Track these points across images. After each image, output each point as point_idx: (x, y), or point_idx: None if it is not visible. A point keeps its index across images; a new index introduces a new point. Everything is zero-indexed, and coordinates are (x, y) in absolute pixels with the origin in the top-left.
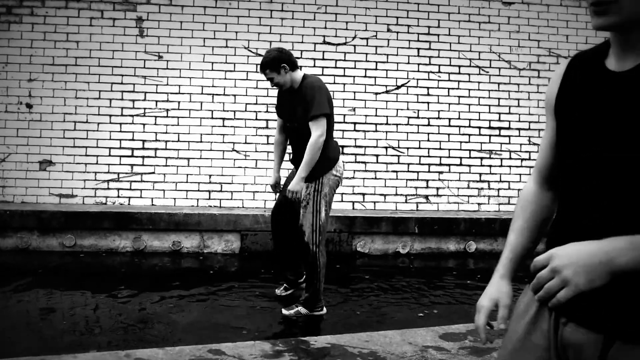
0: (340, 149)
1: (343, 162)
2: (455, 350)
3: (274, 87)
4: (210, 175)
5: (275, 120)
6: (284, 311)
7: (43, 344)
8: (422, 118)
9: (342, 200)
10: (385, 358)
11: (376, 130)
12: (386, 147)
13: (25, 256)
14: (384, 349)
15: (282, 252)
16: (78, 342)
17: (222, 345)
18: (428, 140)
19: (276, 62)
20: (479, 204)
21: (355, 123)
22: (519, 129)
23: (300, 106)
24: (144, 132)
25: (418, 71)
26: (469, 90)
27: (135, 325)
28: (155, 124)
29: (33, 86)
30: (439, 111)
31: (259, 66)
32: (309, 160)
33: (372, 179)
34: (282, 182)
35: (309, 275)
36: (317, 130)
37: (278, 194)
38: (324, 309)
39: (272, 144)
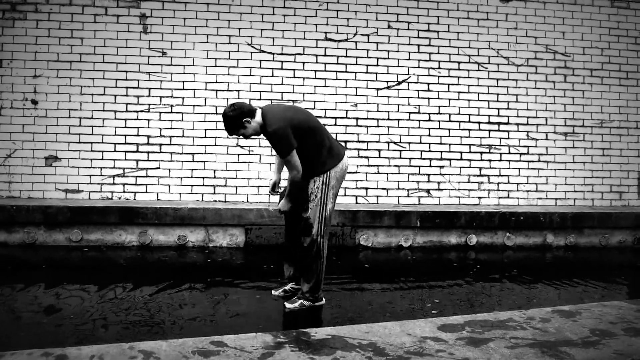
0: (344, 144)
1: (347, 156)
2: (453, 340)
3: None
4: (214, 170)
5: None
6: (288, 305)
7: (47, 337)
8: (422, 113)
9: (345, 195)
10: (384, 349)
11: (378, 126)
12: (388, 142)
13: (32, 251)
14: (383, 340)
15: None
16: (82, 335)
17: (224, 337)
18: (429, 135)
19: (238, 121)
20: (479, 197)
21: (357, 118)
22: (518, 124)
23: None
24: (148, 127)
25: (418, 67)
26: (469, 86)
27: (139, 318)
28: (159, 119)
29: (38, 82)
30: (439, 107)
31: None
32: (289, 193)
33: (375, 173)
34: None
35: (312, 267)
36: (290, 171)
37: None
38: (324, 299)
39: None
